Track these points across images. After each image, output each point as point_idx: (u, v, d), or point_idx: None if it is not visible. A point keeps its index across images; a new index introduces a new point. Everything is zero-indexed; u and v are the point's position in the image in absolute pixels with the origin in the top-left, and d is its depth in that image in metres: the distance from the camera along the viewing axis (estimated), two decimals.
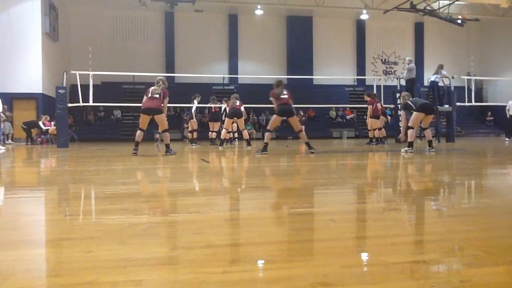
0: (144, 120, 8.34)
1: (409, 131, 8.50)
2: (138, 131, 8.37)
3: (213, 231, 2.00)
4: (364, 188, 3.72)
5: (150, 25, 26.13)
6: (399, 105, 13.14)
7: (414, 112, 8.45)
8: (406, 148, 8.35)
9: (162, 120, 8.34)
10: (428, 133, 8.83)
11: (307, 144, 8.29)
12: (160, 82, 8.35)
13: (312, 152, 7.99)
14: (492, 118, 27.19)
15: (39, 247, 1.79)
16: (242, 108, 12.13)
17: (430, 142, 8.65)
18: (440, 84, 14.53)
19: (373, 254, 1.62)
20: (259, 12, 25.16)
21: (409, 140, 8.45)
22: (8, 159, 8.62)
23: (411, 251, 1.68)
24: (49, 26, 19.79)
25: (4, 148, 13.12)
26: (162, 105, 8.28)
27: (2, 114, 14.24)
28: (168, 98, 8.43)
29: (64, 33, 22.77)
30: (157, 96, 8.20)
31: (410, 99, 8.79)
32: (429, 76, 17.93)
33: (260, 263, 1.52)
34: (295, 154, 8.81)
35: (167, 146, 8.39)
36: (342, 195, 3.36)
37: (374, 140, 13.00)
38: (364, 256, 1.62)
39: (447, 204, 2.86)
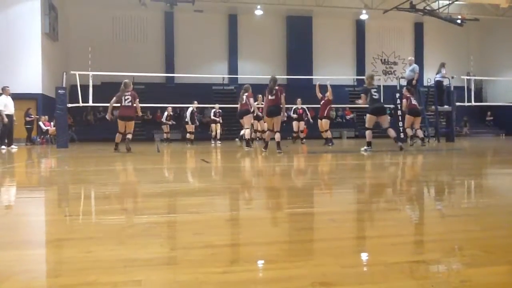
0: (121, 125, 9.60)
1: (367, 132, 9.05)
2: (118, 134, 9.60)
3: (213, 231, 2.00)
4: (363, 188, 3.72)
5: (150, 25, 26.08)
6: (399, 105, 13.12)
7: (367, 114, 9.12)
8: (365, 147, 8.71)
9: (132, 125, 9.69)
10: (391, 132, 8.97)
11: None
12: (123, 87, 9.48)
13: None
14: (492, 118, 27.14)
15: (39, 247, 1.79)
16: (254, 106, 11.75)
17: (395, 139, 8.93)
18: (445, 83, 14.47)
19: (373, 254, 1.62)
20: (258, 12, 25.14)
21: (367, 140, 8.92)
22: (8, 159, 8.60)
23: (411, 251, 1.68)
24: (49, 26, 19.73)
25: (16, 147, 13.27)
26: (136, 113, 9.59)
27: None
28: (138, 98, 9.59)
29: (64, 34, 22.72)
30: (130, 104, 9.41)
31: (374, 93, 8.88)
32: (428, 76, 17.91)
33: (260, 263, 1.52)
34: (294, 154, 8.80)
35: (117, 145, 9.56)
36: (342, 195, 3.36)
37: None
38: (364, 256, 1.62)
39: (446, 204, 2.86)
